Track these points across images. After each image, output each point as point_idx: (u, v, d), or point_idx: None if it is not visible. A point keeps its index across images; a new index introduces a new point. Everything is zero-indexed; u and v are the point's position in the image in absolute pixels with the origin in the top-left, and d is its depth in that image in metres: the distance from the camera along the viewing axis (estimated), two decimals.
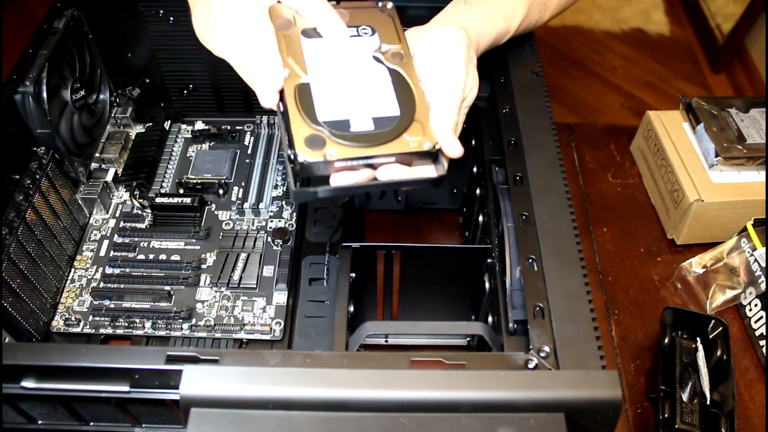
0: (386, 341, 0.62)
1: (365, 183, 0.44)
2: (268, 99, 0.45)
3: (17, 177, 0.58)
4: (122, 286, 0.63)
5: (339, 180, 0.43)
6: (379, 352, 0.61)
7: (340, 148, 0.43)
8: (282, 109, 0.45)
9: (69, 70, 0.65)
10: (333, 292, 0.61)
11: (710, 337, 0.61)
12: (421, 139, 0.44)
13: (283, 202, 0.70)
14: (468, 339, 0.62)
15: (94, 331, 0.61)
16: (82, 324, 0.61)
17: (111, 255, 0.66)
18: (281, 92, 0.45)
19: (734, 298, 0.67)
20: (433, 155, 0.45)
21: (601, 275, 0.71)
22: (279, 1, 0.48)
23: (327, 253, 0.64)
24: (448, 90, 0.46)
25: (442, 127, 0.45)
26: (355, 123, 0.44)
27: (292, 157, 0.43)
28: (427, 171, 0.46)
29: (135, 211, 0.70)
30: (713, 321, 0.61)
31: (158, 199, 0.68)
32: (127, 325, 0.61)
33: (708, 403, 0.57)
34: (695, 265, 0.68)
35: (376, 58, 0.48)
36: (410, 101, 0.46)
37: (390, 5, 0.51)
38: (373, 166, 0.44)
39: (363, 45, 0.48)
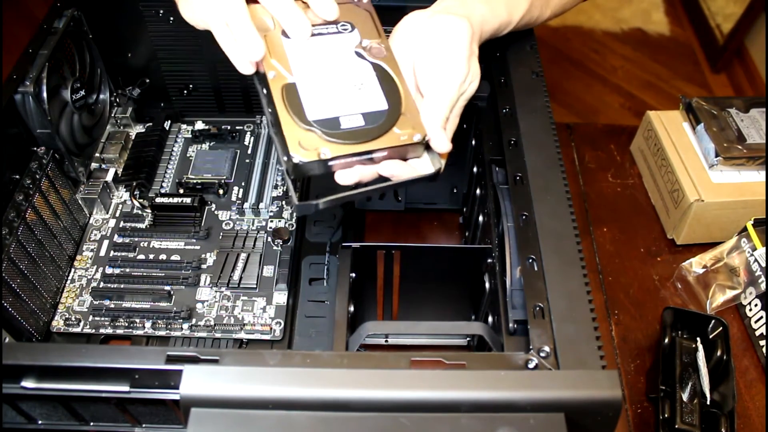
0: (386, 341, 0.62)
1: (363, 190, 0.45)
2: (245, 68, 0.46)
3: (17, 177, 0.58)
4: (122, 286, 0.63)
5: (340, 178, 0.44)
6: (379, 352, 0.61)
7: (333, 147, 0.43)
8: (269, 108, 0.45)
9: (69, 70, 0.65)
10: (333, 292, 0.61)
11: (710, 337, 0.61)
12: (411, 131, 0.45)
13: (283, 202, 0.70)
14: (468, 339, 0.62)
15: (94, 331, 0.61)
16: (82, 324, 0.61)
17: (111, 255, 0.66)
18: (269, 94, 0.45)
19: (734, 298, 0.67)
20: (425, 146, 0.46)
21: (601, 275, 0.71)
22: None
23: (327, 253, 0.64)
24: (445, 84, 0.47)
25: (432, 122, 0.45)
26: (345, 120, 0.44)
27: (286, 158, 0.43)
28: (423, 163, 0.46)
29: (135, 211, 0.70)
30: (713, 321, 0.61)
31: (158, 199, 0.68)
32: (127, 325, 0.61)
33: (708, 403, 0.57)
34: (695, 265, 0.68)
35: (359, 54, 0.48)
36: (396, 95, 0.46)
37: (365, 0, 0.51)
38: (369, 162, 0.45)
39: (344, 41, 0.48)
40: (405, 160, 0.46)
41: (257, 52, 0.45)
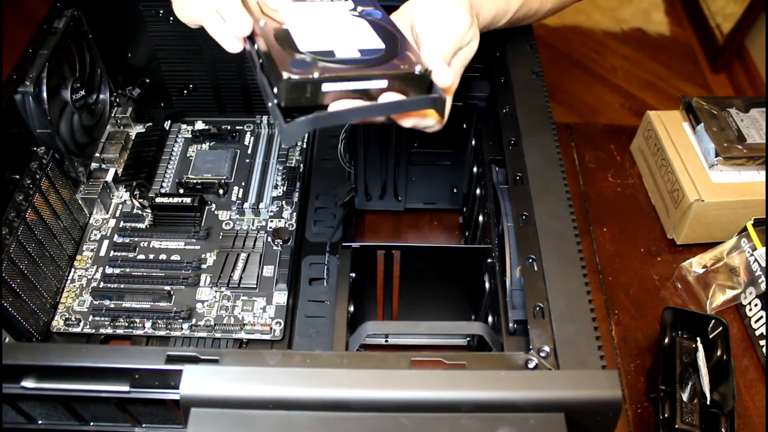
0: (386, 341, 0.62)
1: (356, 106, 0.41)
2: (233, 45, 0.45)
3: (17, 177, 0.58)
4: (122, 286, 0.63)
5: (336, 106, 0.41)
6: (379, 352, 0.61)
7: (328, 68, 0.40)
8: (259, 59, 0.43)
9: (69, 70, 0.65)
10: (333, 292, 0.61)
11: (710, 337, 0.60)
12: (412, 63, 0.42)
13: (283, 202, 0.70)
14: (468, 339, 0.62)
15: (94, 331, 0.61)
16: (82, 324, 0.61)
17: (111, 255, 0.66)
18: (255, 43, 0.43)
19: (734, 298, 0.67)
20: (426, 83, 0.43)
21: (601, 275, 0.71)
22: None
23: (327, 253, 0.64)
24: (446, 30, 0.46)
25: (433, 55, 0.44)
26: (341, 52, 0.42)
27: (276, 84, 0.40)
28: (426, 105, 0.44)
29: (135, 211, 0.70)
30: (713, 321, 0.61)
31: (158, 199, 0.68)
32: (127, 325, 0.61)
33: (708, 403, 0.57)
34: (695, 265, 0.68)
35: (353, 15, 0.47)
36: (393, 39, 0.44)
37: None
38: (365, 98, 0.42)
39: (339, 6, 0.47)
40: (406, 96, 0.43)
41: (245, 27, 0.44)
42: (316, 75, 0.40)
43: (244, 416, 0.37)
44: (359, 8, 0.47)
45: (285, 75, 0.39)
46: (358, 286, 0.57)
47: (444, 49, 0.46)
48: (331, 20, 0.45)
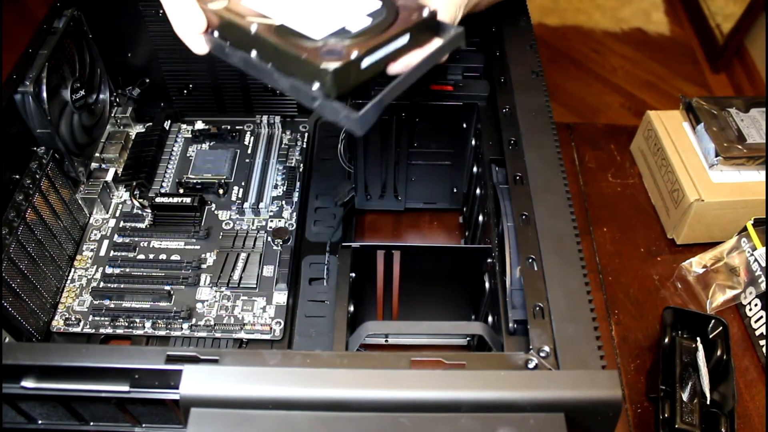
0: (386, 341, 0.62)
1: (414, 66, 0.41)
2: (195, 44, 0.44)
3: (17, 177, 0.58)
4: (122, 286, 0.63)
5: (397, 70, 0.40)
6: (379, 352, 0.61)
7: (357, 44, 0.39)
8: (267, 63, 0.41)
9: (69, 70, 0.65)
10: (333, 292, 0.61)
11: (710, 337, 0.60)
12: (418, 8, 0.42)
13: (283, 202, 0.70)
14: (468, 339, 0.62)
15: (94, 331, 0.61)
16: (82, 324, 0.61)
17: (111, 255, 0.66)
18: (254, 49, 0.42)
19: (734, 298, 0.67)
20: (435, 22, 0.43)
21: (601, 275, 0.71)
22: None
23: (327, 253, 0.64)
24: None
25: None
26: (353, 25, 0.41)
27: (315, 78, 0.38)
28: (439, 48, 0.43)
29: (135, 211, 0.70)
30: (713, 321, 0.61)
31: (158, 199, 0.68)
32: (127, 325, 0.61)
33: (708, 403, 0.57)
34: (695, 265, 0.68)
35: None
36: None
37: None
38: (395, 55, 0.41)
39: None
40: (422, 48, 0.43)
41: (199, 24, 0.43)
42: (354, 55, 0.38)
43: (244, 416, 0.37)
44: None
45: (324, 66, 0.37)
46: (358, 286, 0.57)
47: None
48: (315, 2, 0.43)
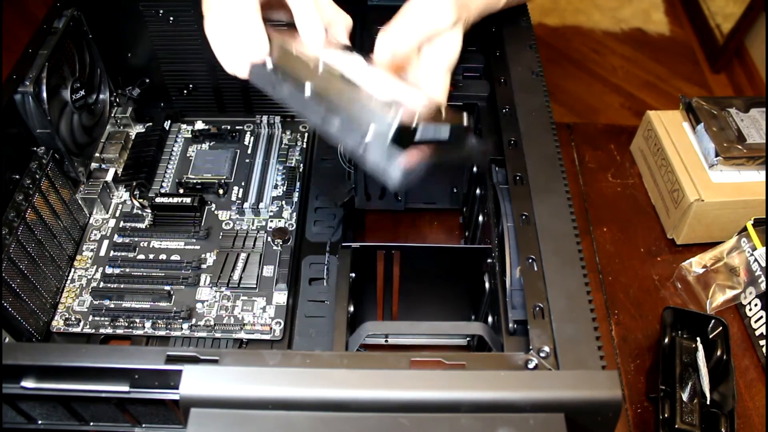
0: (386, 341, 0.62)
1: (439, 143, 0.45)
2: (241, 68, 0.46)
3: (17, 177, 0.58)
4: (122, 286, 0.63)
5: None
6: (379, 352, 0.61)
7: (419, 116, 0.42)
8: (320, 100, 0.44)
9: (69, 70, 0.65)
10: (333, 292, 0.61)
11: (710, 337, 0.61)
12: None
13: (283, 202, 0.70)
14: (468, 339, 0.62)
15: (94, 331, 0.61)
16: (82, 324, 0.61)
17: (111, 255, 0.66)
18: (319, 84, 0.44)
19: (734, 298, 0.67)
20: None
21: (601, 275, 0.71)
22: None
23: (327, 253, 0.64)
24: (438, 54, 0.48)
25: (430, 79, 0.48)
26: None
27: (372, 122, 0.41)
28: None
29: (135, 211, 0.70)
30: (713, 321, 0.61)
31: (158, 199, 0.68)
32: (127, 325, 0.61)
33: (708, 403, 0.57)
34: (695, 265, 0.68)
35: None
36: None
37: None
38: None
39: (356, 59, 0.48)
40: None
41: (263, 48, 0.45)
42: (414, 123, 0.41)
43: (244, 416, 0.37)
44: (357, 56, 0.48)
45: (392, 115, 0.40)
46: (358, 286, 0.57)
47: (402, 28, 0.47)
48: (365, 71, 0.46)
